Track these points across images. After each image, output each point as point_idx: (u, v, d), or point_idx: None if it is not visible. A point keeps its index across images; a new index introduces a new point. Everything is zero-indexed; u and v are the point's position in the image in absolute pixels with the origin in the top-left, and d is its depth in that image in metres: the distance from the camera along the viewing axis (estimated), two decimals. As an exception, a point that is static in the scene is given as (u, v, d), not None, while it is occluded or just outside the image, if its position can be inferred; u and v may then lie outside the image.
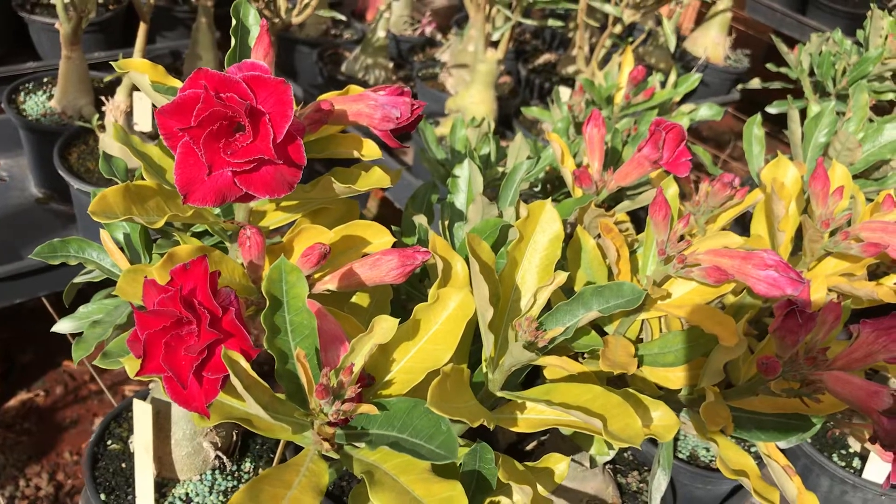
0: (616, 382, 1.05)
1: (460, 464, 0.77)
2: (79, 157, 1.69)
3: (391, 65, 2.21)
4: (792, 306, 0.77)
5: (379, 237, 0.86)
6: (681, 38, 2.87)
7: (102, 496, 1.06)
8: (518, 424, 0.82)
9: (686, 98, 2.68)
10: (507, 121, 2.09)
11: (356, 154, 0.84)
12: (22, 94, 1.83)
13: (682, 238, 0.90)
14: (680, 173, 1.00)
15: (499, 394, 0.81)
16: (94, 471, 1.09)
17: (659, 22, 2.58)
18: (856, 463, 1.40)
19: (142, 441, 1.03)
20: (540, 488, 0.81)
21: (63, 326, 0.95)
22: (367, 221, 0.86)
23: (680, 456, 1.33)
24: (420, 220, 0.97)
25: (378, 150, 0.84)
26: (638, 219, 1.48)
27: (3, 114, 1.86)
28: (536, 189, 1.38)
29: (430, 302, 0.77)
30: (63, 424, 1.97)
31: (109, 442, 1.14)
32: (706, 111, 1.65)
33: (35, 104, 1.81)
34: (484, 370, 0.83)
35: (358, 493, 0.76)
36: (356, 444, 0.72)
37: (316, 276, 0.84)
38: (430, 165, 1.14)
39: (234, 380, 0.66)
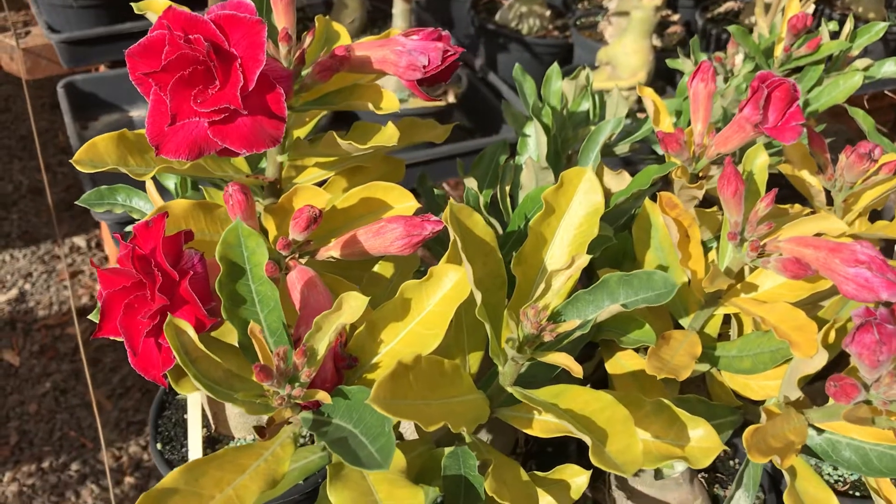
0: (698, 384, 0.91)
1: (445, 466, 0.67)
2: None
3: (548, 13, 2.07)
4: (869, 317, 0.60)
5: (401, 201, 0.77)
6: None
7: (159, 445, 1.06)
8: (532, 427, 0.71)
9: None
10: (669, 75, 1.90)
11: (371, 107, 0.75)
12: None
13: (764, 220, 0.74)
14: (786, 140, 0.82)
15: (509, 390, 0.70)
16: (158, 419, 1.10)
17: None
18: None
19: (193, 395, 1.02)
20: (550, 501, 0.70)
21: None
22: (388, 184, 0.77)
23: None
24: (470, 183, 0.87)
25: (396, 104, 0.75)
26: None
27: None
28: (657, 154, 1.22)
29: (421, 279, 0.67)
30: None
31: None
32: (891, 66, 1.38)
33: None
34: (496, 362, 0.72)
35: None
36: (318, 433, 0.64)
37: (331, 241, 0.77)
38: (515, 121, 1.02)
39: (176, 352, 0.60)
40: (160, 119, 0.65)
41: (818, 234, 0.73)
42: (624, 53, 1.72)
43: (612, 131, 0.92)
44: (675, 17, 2.07)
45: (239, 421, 1.05)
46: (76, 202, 0.93)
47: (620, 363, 0.84)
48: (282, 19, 0.77)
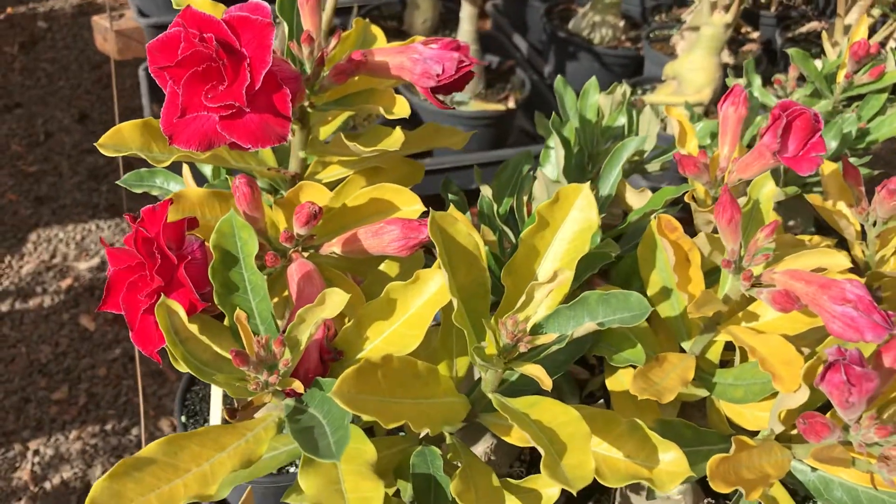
0: (700, 408, 0.90)
1: (413, 464, 0.69)
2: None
3: (622, 23, 2.05)
4: (839, 357, 0.59)
5: (408, 204, 0.79)
6: None
7: (183, 418, 1.11)
8: (511, 435, 0.72)
9: None
10: (739, 94, 1.86)
11: (383, 111, 0.77)
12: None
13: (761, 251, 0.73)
14: (802, 171, 0.80)
15: (489, 396, 0.72)
16: (187, 393, 1.15)
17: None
18: None
19: (217, 373, 1.06)
20: (520, 510, 0.71)
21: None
22: (396, 186, 0.80)
23: None
24: (485, 191, 0.88)
25: (407, 109, 0.77)
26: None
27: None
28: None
29: (406, 282, 0.69)
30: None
31: (211, 368, 1.19)
32: (962, 99, 1.33)
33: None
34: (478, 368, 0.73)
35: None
36: (291, 420, 0.67)
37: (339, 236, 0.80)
38: (546, 133, 1.03)
39: (164, 332, 0.64)
40: (173, 111, 0.69)
41: (819, 269, 0.72)
42: (690, 69, 1.70)
43: (635, 149, 0.92)
44: (755, 35, 2.02)
45: (259, 402, 1.09)
46: (116, 182, 0.98)
47: (619, 380, 0.84)
48: (307, 21, 0.80)
